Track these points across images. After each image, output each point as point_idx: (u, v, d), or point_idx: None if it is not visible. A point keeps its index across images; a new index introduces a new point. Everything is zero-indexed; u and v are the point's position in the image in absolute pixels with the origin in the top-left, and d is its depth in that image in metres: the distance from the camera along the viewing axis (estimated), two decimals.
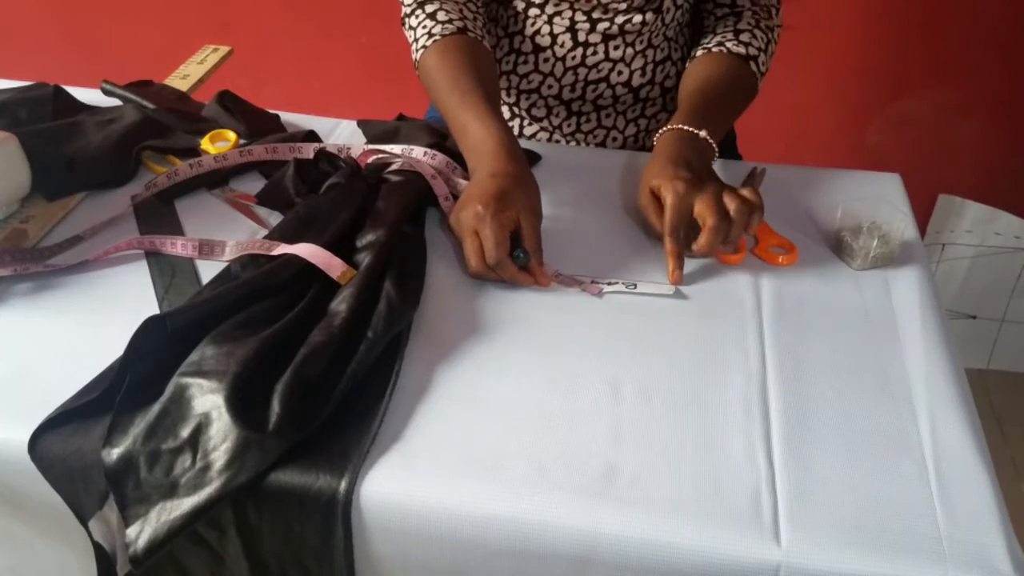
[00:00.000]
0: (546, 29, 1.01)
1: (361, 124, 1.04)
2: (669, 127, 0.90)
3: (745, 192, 0.82)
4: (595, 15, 0.99)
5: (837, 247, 0.86)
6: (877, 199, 0.86)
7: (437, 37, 0.95)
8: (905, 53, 1.66)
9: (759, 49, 0.98)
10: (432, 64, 0.94)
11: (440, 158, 0.93)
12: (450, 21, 0.96)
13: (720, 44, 0.98)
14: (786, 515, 0.60)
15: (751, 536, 0.58)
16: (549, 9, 1.00)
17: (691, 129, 0.88)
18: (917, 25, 1.62)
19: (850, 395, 0.69)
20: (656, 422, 0.67)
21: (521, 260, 0.79)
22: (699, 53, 1.00)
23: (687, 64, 1.01)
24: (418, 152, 0.93)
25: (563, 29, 1.01)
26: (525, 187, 0.82)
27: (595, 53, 1.02)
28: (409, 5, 0.99)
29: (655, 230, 0.84)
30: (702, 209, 0.79)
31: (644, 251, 0.86)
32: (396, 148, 0.94)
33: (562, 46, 1.02)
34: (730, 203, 0.80)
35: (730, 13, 1.02)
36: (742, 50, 0.97)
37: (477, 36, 0.96)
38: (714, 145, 0.89)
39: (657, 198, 0.84)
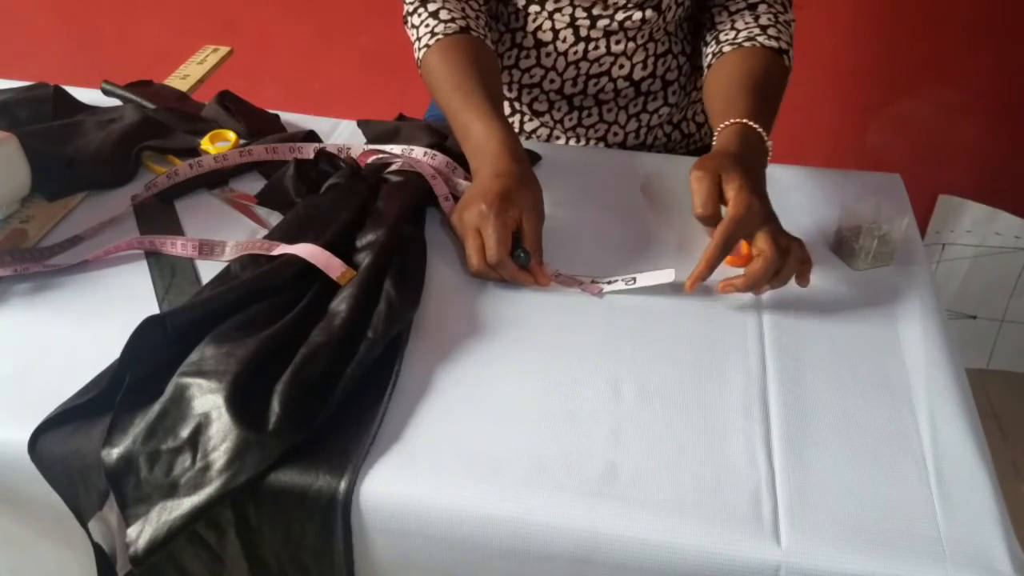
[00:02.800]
0: (547, 24, 1.02)
1: (361, 124, 1.04)
2: (744, 121, 0.84)
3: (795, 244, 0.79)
4: (595, 11, 0.99)
5: (837, 247, 0.86)
6: (877, 199, 0.86)
7: (440, 36, 0.95)
8: (905, 53, 1.66)
9: (788, 44, 0.96)
10: (435, 63, 0.94)
11: (440, 158, 0.93)
12: (452, 20, 0.96)
13: (751, 39, 0.95)
14: (786, 515, 0.60)
15: (751, 536, 0.58)
16: (549, 6, 1.00)
17: (762, 132, 0.84)
18: (917, 25, 1.62)
19: (850, 395, 0.69)
20: (656, 422, 0.67)
21: (522, 260, 0.79)
22: (727, 49, 0.96)
23: (714, 60, 0.97)
24: (418, 152, 0.93)
25: (564, 25, 1.01)
26: (528, 188, 0.82)
27: (596, 48, 1.02)
28: (411, 3, 0.99)
29: (694, 208, 0.78)
30: (763, 239, 0.76)
31: (644, 250, 0.86)
32: (396, 148, 0.94)
33: (564, 41, 1.02)
34: (788, 242, 0.77)
35: (746, 8, 0.99)
36: (775, 44, 0.94)
37: (480, 35, 0.96)
38: (770, 155, 0.85)
39: (718, 185, 0.78)
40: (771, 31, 0.95)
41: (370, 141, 1.00)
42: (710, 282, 0.81)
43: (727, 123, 0.85)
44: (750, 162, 0.80)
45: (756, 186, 0.78)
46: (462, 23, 0.96)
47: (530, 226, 0.80)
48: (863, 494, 0.61)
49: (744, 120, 0.84)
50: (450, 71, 0.92)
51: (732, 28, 0.98)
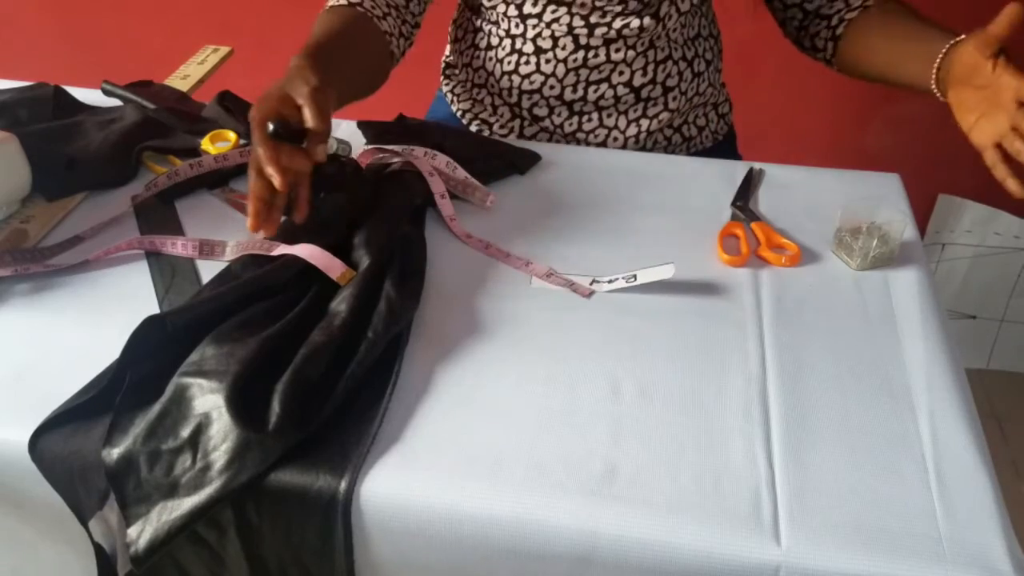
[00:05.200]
0: (547, 32, 1.02)
1: (361, 125, 1.04)
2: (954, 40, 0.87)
3: None
4: (592, 19, 1.00)
5: (837, 247, 0.86)
6: (877, 199, 0.86)
7: (328, 7, 0.97)
8: None
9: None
10: (313, 26, 0.95)
11: (441, 158, 0.93)
12: None
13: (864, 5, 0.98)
14: (786, 515, 0.60)
15: (751, 536, 0.58)
16: (547, 17, 1.01)
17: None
18: None
19: (850, 395, 0.69)
20: (656, 422, 0.67)
21: (278, 135, 0.74)
22: (853, 15, 0.98)
23: (845, 29, 0.99)
24: (418, 152, 0.93)
25: (563, 32, 1.01)
26: (302, 78, 0.78)
27: (596, 56, 1.02)
28: None
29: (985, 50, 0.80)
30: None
31: (644, 249, 0.86)
32: (396, 148, 0.94)
33: (563, 48, 1.02)
34: None
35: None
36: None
37: (368, 14, 0.96)
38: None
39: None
40: None
41: (370, 142, 1.00)
42: (710, 281, 0.81)
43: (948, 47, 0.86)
44: None
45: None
46: (356, 0, 0.96)
47: (297, 93, 0.76)
48: (863, 494, 0.61)
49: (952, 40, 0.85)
50: (314, 29, 0.92)
51: (834, 4, 1.00)
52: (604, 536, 0.59)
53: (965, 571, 0.56)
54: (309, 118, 0.76)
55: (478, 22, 1.09)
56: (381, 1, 0.99)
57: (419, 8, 1.04)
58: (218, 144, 0.99)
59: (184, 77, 1.24)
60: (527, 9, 1.02)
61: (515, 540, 0.60)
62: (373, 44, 0.98)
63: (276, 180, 0.73)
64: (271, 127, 0.74)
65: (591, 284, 0.81)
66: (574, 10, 1.00)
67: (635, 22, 0.99)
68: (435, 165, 0.92)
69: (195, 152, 0.98)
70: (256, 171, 0.76)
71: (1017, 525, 0.60)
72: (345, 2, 0.97)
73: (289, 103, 0.77)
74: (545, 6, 1.01)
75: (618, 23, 1.00)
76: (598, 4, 0.99)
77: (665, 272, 0.79)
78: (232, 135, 0.99)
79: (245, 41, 1.52)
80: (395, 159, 0.92)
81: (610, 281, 0.80)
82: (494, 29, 1.07)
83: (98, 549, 0.65)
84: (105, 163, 0.94)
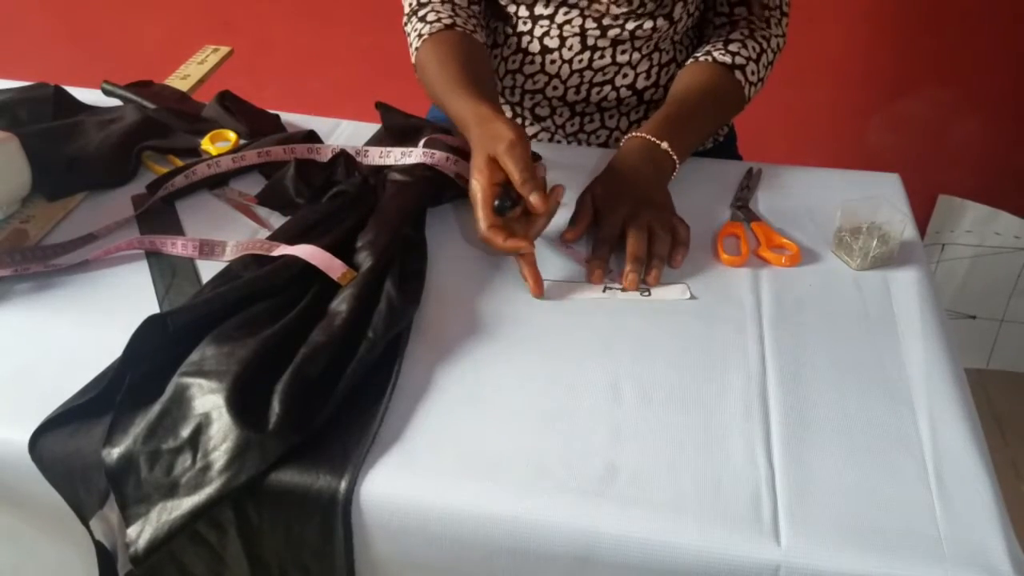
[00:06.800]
0: (555, 32, 1.02)
1: (380, 107, 1.04)
2: (634, 134, 0.93)
3: (678, 225, 0.85)
4: (605, 22, 1.00)
5: (837, 247, 0.86)
6: (877, 199, 0.86)
7: (426, 36, 0.99)
8: (905, 53, 1.66)
9: (747, 58, 0.99)
10: (423, 60, 0.99)
11: (439, 155, 0.92)
12: (439, 20, 1.00)
13: (707, 54, 1.00)
14: (786, 515, 0.60)
15: (751, 536, 0.58)
16: (559, 18, 1.01)
17: (654, 139, 0.91)
18: (917, 25, 1.62)
19: (850, 395, 0.69)
20: (656, 422, 0.67)
21: (503, 209, 0.80)
22: (688, 63, 1.02)
23: (689, 65, 1.02)
24: (416, 153, 0.93)
25: (572, 33, 1.01)
26: (500, 137, 0.81)
27: (602, 57, 1.02)
28: (406, 14, 1.04)
29: (576, 227, 0.86)
30: (628, 242, 0.83)
31: None
32: (397, 150, 0.94)
33: (570, 49, 1.03)
34: (656, 237, 0.83)
35: (727, 22, 1.03)
36: (728, 59, 0.99)
37: (466, 31, 0.99)
38: (675, 157, 0.91)
39: (595, 206, 0.87)
40: (732, 46, 1.00)
41: (387, 129, 1.01)
42: (710, 281, 0.81)
43: (625, 138, 0.94)
44: (628, 168, 0.89)
45: (622, 191, 0.87)
46: (448, 22, 0.99)
47: (511, 163, 0.79)
48: (863, 494, 0.61)
49: (637, 134, 0.92)
50: (435, 63, 0.96)
51: (707, 43, 1.03)
52: (604, 536, 0.59)
53: (965, 571, 0.56)
54: (520, 183, 0.79)
55: (485, 20, 1.09)
56: (463, 14, 1.02)
57: (485, 13, 1.07)
58: (218, 144, 0.99)
59: (184, 77, 1.24)
60: (538, 10, 1.02)
61: (515, 539, 0.60)
62: (489, 60, 1.02)
63: (525, 247, 0.79)
64: (497, 203, 0.80)
65: (604, 291, 0.80)
66: (587, 13, 1.00)
67: (648, 23, 0.99)
68: (435, 162, 0.92)
69: (195, 152, 0.98)
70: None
71: (1017, 525, 0.60)
72: (441, 25, 0.99)
73: (500, 170, 0.81)
74: (557, 7, 1.01)
75: (631, 24, 1.00)
76: (613, 10, 0.99)
77: (678, 293, 0.80)
78: (232, 135, 0.99)
79: (245, 41, 1.52)
80: (399, 160, 0.92)
81: (623, 290, 0.80)
82: (501, 27, 1.07)
83: (99, 547, 0.65)
84: (105, 163, 0.94)
